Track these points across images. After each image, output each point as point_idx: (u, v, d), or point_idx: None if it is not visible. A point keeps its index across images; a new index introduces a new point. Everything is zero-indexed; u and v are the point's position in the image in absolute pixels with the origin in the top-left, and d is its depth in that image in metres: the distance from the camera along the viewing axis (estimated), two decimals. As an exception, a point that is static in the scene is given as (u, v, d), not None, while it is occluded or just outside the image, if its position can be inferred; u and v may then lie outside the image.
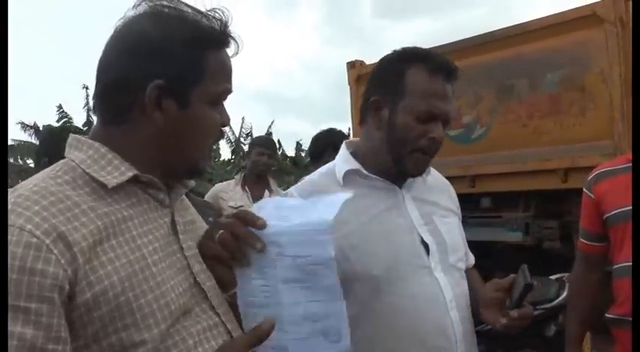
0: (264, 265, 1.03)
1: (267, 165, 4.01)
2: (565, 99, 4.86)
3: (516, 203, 5.42)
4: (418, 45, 1.47)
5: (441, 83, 1.39)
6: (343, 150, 1.47)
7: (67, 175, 0.95)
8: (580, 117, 4.75)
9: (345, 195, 1.08)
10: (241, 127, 17.54)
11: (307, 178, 1.47)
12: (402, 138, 1.38)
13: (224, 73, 1.05)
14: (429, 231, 1.44)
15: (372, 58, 6.06)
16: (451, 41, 5.59)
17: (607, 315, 2.00)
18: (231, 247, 1.02)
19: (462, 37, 5.52)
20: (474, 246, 5.98)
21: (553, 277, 4.41)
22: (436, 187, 1.58)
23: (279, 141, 16.74)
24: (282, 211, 1.07)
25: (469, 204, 5.71)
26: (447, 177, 6.43)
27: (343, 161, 1.44)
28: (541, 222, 5.25)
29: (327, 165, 1.49)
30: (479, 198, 5.58)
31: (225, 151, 17.92)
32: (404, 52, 1.45)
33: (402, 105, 1.37)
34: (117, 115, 1.01)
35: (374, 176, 1.41)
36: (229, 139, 17.42)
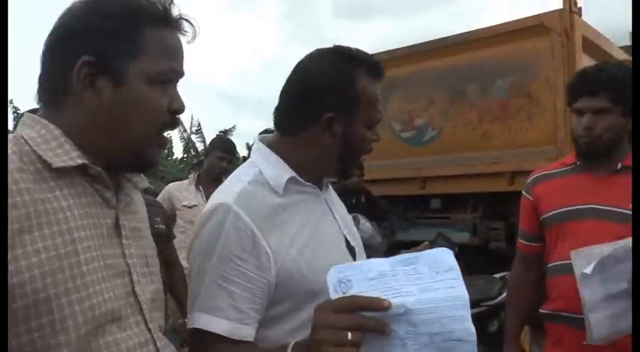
0: (387, 344, 0.95)
1: (225, 170, 4.00)
2: (513, 105, 5.08)
3: (465, 204, 5.61)
4: (379, 46, 1.38)
5: (379, 86, 1.34)
6: (271, 155, 1.31)
7: (15, 147, 0.89)
8: (527, 123, 4.96)
9: (448, 252, 1.03)
10: (191, 124, 17.22)
11: (239, 188, 1.24)
12: (358, 149, 1.34)
13: (167, 52, 0.97)
14: (350, 233, 1.40)
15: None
16: (406, 45, 5.74)
17: (540, 310, 2.12)
18: (358, 340, 0.94)
19: (421, 40, 5.71)
20: (423, 245, 6.07)
21: (497, 275, 4.58)
22: (331, 189, 1.50)
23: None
24: (386, 281, 0.97)
25: (419, 205, 5.88)
26: (399, 179, 6.59)
27: (279, 168, 1.28)
28: (488, 223, 5.45)
29: (249, 171, 1.30)
30: (429, 199, 5.76)
31: (177, 149, 17.55)
32: (343, 55, 1.30)
33: (357, 117, 1.29)
34: (52, 99, 0.96)
35: (307, 183, 1.31)
36: (183, 137, 17.09)
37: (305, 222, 1.27)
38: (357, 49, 1.32)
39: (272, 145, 1.33)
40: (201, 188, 3.95)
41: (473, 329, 0.95)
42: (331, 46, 1.33)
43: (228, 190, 1.25)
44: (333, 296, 0.97)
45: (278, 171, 1.28)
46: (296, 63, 1.34)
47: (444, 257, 1.02)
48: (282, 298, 1.21)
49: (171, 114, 0.98)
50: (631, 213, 1.87)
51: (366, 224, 3.94)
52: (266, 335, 1.22)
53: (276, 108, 1.35)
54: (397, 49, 5.78)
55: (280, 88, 1.35)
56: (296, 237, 1.23)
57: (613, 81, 1.91)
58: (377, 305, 0.92)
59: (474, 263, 5.19)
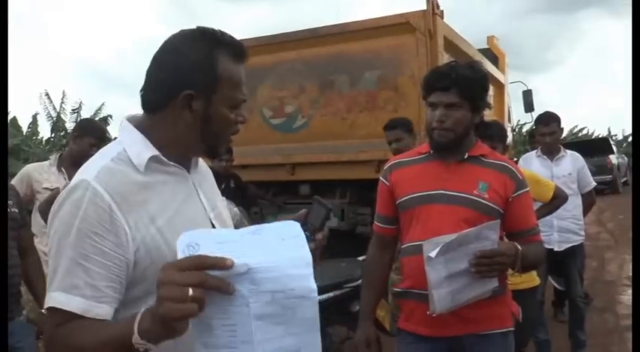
0: (231, 304, 0.98)
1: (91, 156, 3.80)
2: (381, 97, 5.32)
3: (334, 190, 5.79)
4: (257, 31, 1.36)
5: (243, 68, 1.35)
6: (136, 134, 1.31)
7: None
8: (393, 114, 5.19)
9: (295, 223, 1.08)
10: (62, 102, 15.88)
11: (102, 166, 1.23)
12: (220, 129, 1.34)
13: None
14: (216, 216, 1.41)
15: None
16: (279, 33, 5.80)
17: (394, 289, 2.28)
18: (203, 300, 0.95)
19: (299, 27, 5.78)
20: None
21: (360, 258, 4.78)
22: (206, 172, 1.50)
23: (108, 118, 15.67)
24: (233, 246, 1.01)
25: (289, 191, 6.00)
26: (269, 164, 6.66)
27: (141, 146, 1.28)
28: (355, 209, 5.68)
29: (113, 149, 1.30)
30: (298, 185, 5.88)
31: (44, 129, 16.09)
32: (205, 36, 1.31)
33: (218, 97, 1.30)
34: None
35: (172, 163, 1.31)
36: (50, 115, 15.73)
37: (167, 203, 1.27)
38: (221, 31, 1.34)
39: (138, 124, 1.33)
40: (63, 169, 3.77)
41: (314, 286, 1.00)
42: (195, 27, 1.34)
43: (90, 168, 1.24)
44: (181, 258, 0.99)
45: (140, 148, 1.28)
46: (161, 43, 1.34)
47: (291, 226, 1.07)
48: (140, 278, 1.21)
49: None
50: (474, 197, 2.07)
51: (233, 209, 3.96)
52: None
53: (142, 88, 1.34)
54: (270, 35, 5.82)
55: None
56: (156, 216, 1.23)
57: (462, 79, 2.09)
58: (220, 264, 0.95)
59: (342, 247, 5.39)
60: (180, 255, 0.99)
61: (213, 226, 1.38)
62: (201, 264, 0.96)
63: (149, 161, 1.26)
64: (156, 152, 1.28)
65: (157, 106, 1.31)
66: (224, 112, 1.32)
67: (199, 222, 1.34)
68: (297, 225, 1.08)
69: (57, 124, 15.52)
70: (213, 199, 1.44)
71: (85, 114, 15.42)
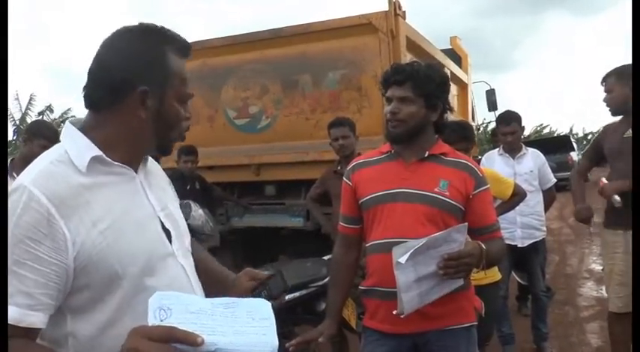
0: None
1: None
2: (344, 97, 5.33)
3: (299, 191, 5.77)
4: (224, 31, 1.33)
5: (185, 65, 1.36)
6: (78, 135, 1.28)
7: None
8: (357, 114, 5.23)
9: (266, 303, 1.09)
10: (28, 104, 15.44)
11: (40, 169, 1.21)
12: (173, 124, 1.35)
13: None
14: (167, 216, 1.37)
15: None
16: (242, 33, 5.78)
17: (359, 287, 2.30)
18: None
19: (267, 26, 5.77)
20: (259, 231, 6.24)
21: (325, 258, 4.80)
22: (156, 171, 1.49)
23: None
24: (204, 319, 1.01)
25: (254, 192, 5.98)
26: (233, 166, 6.58)
27: (83, 147, 1.25)
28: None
29: (54, 151, 1.27)
30: (263, 185, 5.86)
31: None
32: (152, 32, 1.31)
33: (170, 93, 1.30)
34: None
35: (117, 163, 1.28)
36: (12, 117, 15.26)
37: (111, 204, 1.24)
38: (164, 27, 1.34)
39: (81, 126, 1.30)
40: (15, 175, 3.69)
41: None
42: (137, 23, 1.33)
43: (29, 172, 1.21)
44: (151, 322, 0.99)
45: (82, 149, 1.25)
46: (103, 40, 1.31)
47: (262, 307, 1.08)
48: (84, 284, 1.18)
49: None
50: (435, 195, 2.11)
51: (198, 211, 3.94)
52: (76, 330, 1.19)
53: (85, 86, 1.31)
54: (233, 36, 5.79)
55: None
56: (99, 219, 1.20)
57: (416, 74, 2.13)
58: (191, 340, 0.95)
59: (307, 247, 5.39)
60: (150, 317, 0.99)
61: (163, 225, 1.35)
62: (171, 337, 0.96)
63: (91, 162, 1.24)
64: (98, 152, 1.25)
65: (103, 104, 1.28)
66: (176, 107, 1.33)
67: (146, 223, 1.32)
68: (269, 305, 1.09)
69: (21, 127, 15.17)
70: (163, 199, 1.41)
71: (53, 116, 15.15)
